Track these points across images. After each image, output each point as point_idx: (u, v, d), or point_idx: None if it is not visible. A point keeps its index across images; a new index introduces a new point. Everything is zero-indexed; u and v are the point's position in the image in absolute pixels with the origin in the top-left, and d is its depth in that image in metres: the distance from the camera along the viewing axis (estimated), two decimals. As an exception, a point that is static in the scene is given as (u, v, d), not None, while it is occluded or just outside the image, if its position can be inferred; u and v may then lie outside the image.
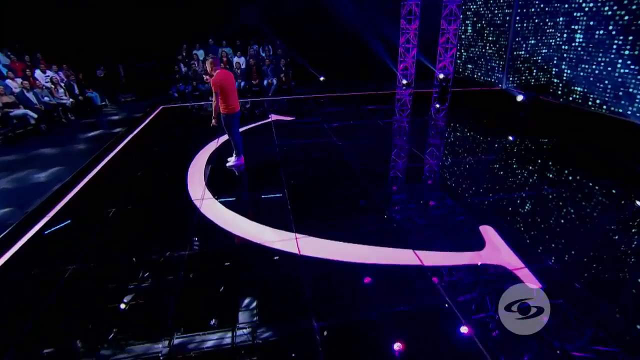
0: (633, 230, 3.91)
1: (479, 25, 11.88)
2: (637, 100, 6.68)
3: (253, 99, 10.56)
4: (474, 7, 12.01)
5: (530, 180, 5.13)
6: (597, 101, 7.38)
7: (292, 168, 5.53)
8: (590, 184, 4.98)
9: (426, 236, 3.82)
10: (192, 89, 10.93)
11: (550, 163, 5.65)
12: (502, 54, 11.05)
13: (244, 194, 4.87)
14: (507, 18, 10.57)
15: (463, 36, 12.68)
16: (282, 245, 3.66)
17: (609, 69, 7.07)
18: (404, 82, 11.70)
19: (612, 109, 7.14)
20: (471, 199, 4.58)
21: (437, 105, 9.78)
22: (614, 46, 6.75)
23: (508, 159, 5.89)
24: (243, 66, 11.37)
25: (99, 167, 5.81)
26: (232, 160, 5.63)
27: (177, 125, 8.19)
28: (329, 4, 11.91)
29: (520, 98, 8.50)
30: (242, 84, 11.12)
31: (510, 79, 11.11)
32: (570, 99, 8.26)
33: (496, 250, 3.56)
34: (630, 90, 6.75)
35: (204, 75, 5.76)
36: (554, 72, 8.51)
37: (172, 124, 8.35)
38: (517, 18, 10.17)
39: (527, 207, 4.40)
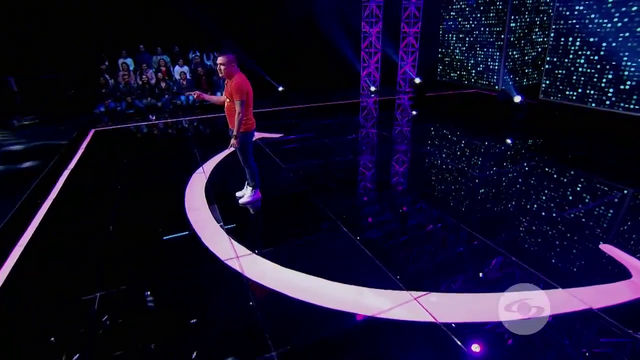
0: None
1: (469, 25, 11.93)
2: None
3: (207, 116, 9.11)
4: (457, 7, 12.23)
5: (605, 183, 5.01)
6: (603, 98, 7.82)
7: (329, 197, 4.52)
8: None
9: (556, 266, 3.24)
10: (126, 106, 8.99)
11: (600, 164, 5.68)
12: (496, 55, 11.32)
13: (292, 241, 3.70)
14: (504, 18, 10.79)
15: (447, 36, 12.86)
16: (404, 312, 2.68)
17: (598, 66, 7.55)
18: (372, 88, 11.43)
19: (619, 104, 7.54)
20: (567, 213, 4.19)
21: (414, 112, 9.63)
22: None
23: (565, 164, 5.72)
24: (189, 77, 9.82)
25: (34, 224, 3.99)
26: (246, 195, 4.38)
27: (130, 153, 6.39)
28: (283, 4, 11.13)
29: (518, 99, 8.80)
30: (191, 98, 9.57)
31: (505, 79, 11.40)
32: (552, 98, 8.79)
33: (644, 274, 3.13)
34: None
35: (187, 94, 4.44)
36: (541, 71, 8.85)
37: (122, 152, 6.50)
38: (512, 17, 10.64)
39: (628, 214, 4.16)
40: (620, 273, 3.13)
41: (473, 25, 11.65)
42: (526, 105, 9.03)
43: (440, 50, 13.19)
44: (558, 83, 8.59)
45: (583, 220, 4.05)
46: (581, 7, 7.80)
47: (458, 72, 12.69)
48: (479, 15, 11.29)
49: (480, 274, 3.15)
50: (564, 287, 2.94)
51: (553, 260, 3.34)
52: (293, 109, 9.54)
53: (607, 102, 7.66)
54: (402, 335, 2.52)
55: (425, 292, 2.88)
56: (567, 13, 8.08)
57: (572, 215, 4.13)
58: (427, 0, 11.28)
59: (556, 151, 6.27)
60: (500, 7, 10.64)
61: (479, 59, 11.71)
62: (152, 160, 6.06)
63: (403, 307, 2.74)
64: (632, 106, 7.26)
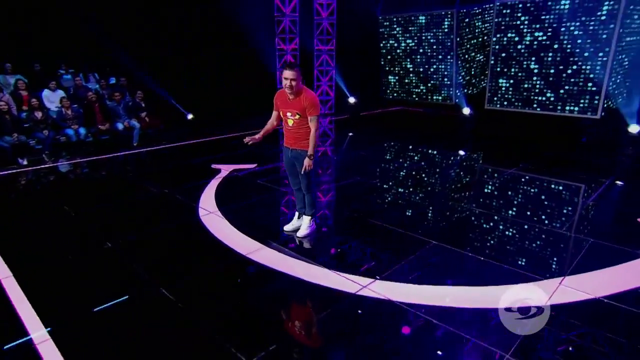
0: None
1: (413, 42, 13.31)
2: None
3: (114, 154, 8.06)
4: (399, 28, 13.55)
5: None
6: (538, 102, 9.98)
7: (383, 216, 4.90)
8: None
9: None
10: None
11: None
12: (447, 70, 12.68)
13: (395, 261, 3.86)
14: (451, 36, 12.19)
15: (389, 57, 14.05)
16: (564, 296, 3.30)
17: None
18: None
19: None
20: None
21: (350, 134, 10.57)
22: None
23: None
24: (74, 105, 8.49)
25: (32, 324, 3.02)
26: (305, 226, 4.29)
27: (74, 205, 5.21)
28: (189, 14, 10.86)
29: (467, 111, 10.63)
30: (82, 131, 8.26)
31: (458, 93, 12.68)
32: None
33: None
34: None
35: (249, 141, 4.34)
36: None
37: (57, 203, 5.29)
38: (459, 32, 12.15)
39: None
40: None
41: (418, 43, 13.15)
42: (474, 116, 10.92)
43: (387, 68, 14.42)
44: (503, 91, 10.70)
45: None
46: (517, 23, 10.02)
47: (407, 88, 14.10)
48: (425, 33, 12.86)
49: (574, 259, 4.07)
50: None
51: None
52: (234, 137, 9.24)
53: (551, 106, 10.00)
54: (585, 316, 3.13)
55: (562, 277, 3.59)
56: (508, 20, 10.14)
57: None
58: (366, 18, 12.84)
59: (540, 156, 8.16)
60: (446, 24, 12.29)
61: (429, 74, 13.21)
62: (118, 210, 5.23)
63: (558, 293, 3.36)
64: (573, 107, 9.74)
